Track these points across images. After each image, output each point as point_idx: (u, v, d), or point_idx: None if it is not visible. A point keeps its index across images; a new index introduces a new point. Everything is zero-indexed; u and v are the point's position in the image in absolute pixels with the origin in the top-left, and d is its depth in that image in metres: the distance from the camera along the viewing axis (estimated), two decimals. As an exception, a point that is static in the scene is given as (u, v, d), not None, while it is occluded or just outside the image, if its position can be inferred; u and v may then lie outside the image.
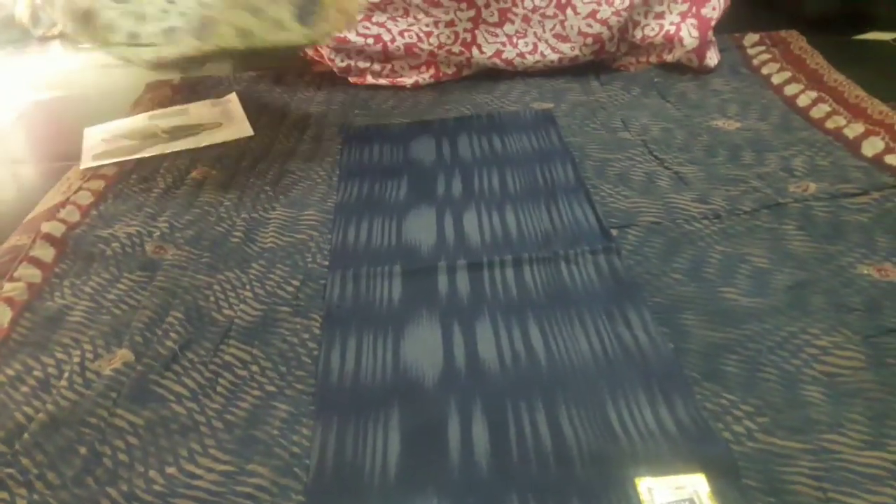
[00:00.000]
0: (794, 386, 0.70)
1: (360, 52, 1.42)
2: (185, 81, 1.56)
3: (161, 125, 1.34)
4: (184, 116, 1.38)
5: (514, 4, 1.39)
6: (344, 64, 1.44)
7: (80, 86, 1.65)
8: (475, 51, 1.41)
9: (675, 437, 0.65)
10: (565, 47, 1.40)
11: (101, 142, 1.30)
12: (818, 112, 1.20)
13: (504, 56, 1.41)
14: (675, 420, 0.66)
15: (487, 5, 1.39)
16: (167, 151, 1.24)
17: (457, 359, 0.76)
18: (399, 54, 1.40)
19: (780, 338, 0.75)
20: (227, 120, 1.35)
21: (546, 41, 1.41)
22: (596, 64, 1.43)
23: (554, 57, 1.41)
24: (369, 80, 1.45)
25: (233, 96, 1.44)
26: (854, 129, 1.12)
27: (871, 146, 1.07)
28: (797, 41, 1.47)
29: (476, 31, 1.40)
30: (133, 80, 1.60)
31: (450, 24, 1.39)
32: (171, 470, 0.65)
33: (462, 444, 0.66)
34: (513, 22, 1.40)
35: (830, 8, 1.61)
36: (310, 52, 1.49)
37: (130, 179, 1.16)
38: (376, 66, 1.44)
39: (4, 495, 0.64)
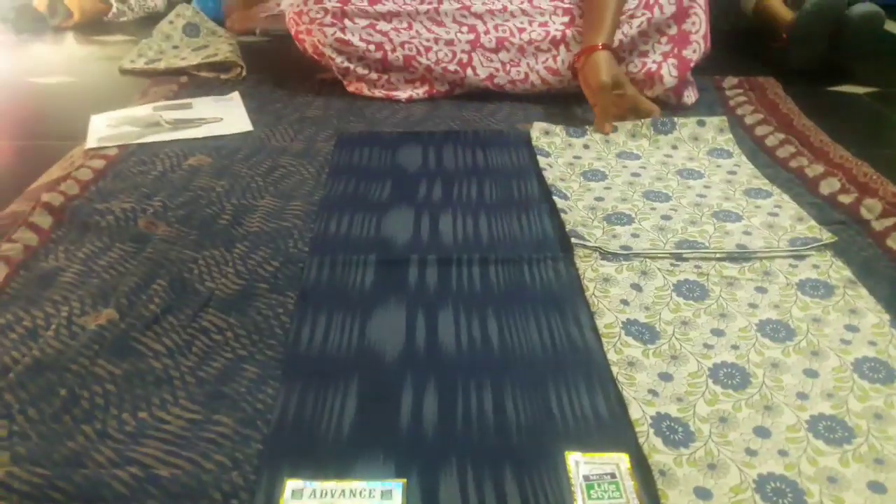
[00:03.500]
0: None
1: (361, 59, 1.49)
2: (192, 79, 1.64)
3: (165, 116, 1.41)
4: (187, 110, 1.45)
5: (512, 35, 1.48)
6: (344, 66, 1.50)
7: (90, 74, 1.72)
8: (469, 71, 1.49)
9: (606, 421, 0.71)
10: (554, 80, 1.48)
11: (106, 127, 1.36)
12: (783, 152, 1.28)
13: (496, 81, 1.50)
14: (608, 407, 0.72)
15: (487, 32, 1.48)
16: (168, 139, 1.31)
17: (417, 341, 0.82)
18: (397, 65, 1.48)
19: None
20: (229, 115, 1.42)
21: (537, 72, 1.49)
22: (581, 93, 1.51)
23: (543, 88, 1.49)
24: (365, 91, 1.52)
25: (235, 94, 1.51)
26: (814, 170, 1.20)
27: (828, 185, 1.15)
28: (773, 87, 1.56)
29: (473, 54, 1.48)
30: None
31: (449, 42, 1.47)
32: (142, 414, 0.71)
33: (412, 412, 0.71)
34: (508, 50, 1.48)
35: (812, 61, 1.70)
36: (310, 50, 1.54)
37: (130, 161, 1.22)
38: (373, 75, 1.51)
39: (-13, 425, 0.69)
